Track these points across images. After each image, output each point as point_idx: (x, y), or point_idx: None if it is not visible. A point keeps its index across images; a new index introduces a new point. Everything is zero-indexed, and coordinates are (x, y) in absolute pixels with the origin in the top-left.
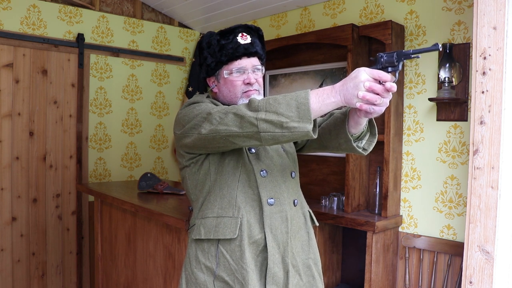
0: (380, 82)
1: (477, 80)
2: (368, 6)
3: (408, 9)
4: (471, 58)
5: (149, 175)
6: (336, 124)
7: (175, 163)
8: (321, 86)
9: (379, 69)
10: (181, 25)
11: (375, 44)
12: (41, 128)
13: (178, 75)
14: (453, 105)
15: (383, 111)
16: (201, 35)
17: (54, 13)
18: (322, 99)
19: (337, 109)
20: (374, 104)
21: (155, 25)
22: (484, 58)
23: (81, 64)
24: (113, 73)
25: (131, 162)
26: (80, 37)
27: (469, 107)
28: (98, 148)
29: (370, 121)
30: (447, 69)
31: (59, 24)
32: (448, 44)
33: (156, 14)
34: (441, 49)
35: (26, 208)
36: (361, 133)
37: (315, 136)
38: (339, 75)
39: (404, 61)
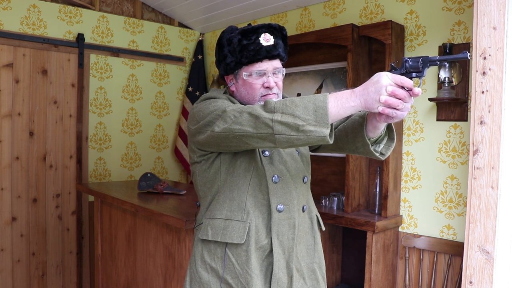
0: (402, 87)
1: (477, 80)
2: (368, 6)
3: (408, 9)
4: (471, 58)
5: (149, 175)
6: (353, 127)
7: (175, 163)
8: (321, 86)
9: (403, 73)
10: (181, 25)
11: (375, 44)
12: (41, 128)
13: (178, 75)
14: (453, 105)
15: (405, 116)
16: (202, 35)
17: (54, 13)
18: (341, 103)
19: None
20: (396, 109)
21: (155, 25)
22: (484, 58)
23: (81, 64)
24: (113, 73)
25: (131, 162)
26: (80, 37)
27: (469, 107)
28: (98, 148)
29: (388, 125)
30: (447, 69)
31: (59, 24)
32: (448, 44)
33: (156, 14)
34: (469, 58)
35: (26, 208)
36: (379, 137)
37: (331, 142)
38: (339, 75)
39: (430, 67)
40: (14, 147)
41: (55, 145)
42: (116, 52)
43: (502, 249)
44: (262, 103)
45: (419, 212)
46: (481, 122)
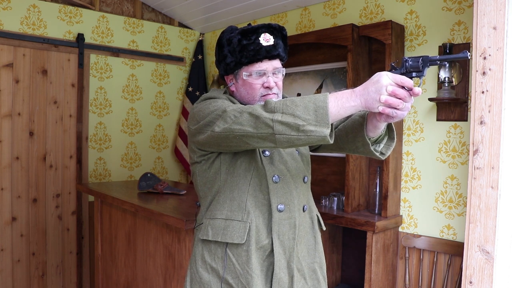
0: (402, 87)
1: (477, 80)
2: (368, 6)
3: (408, 9)
4: (471, 58)
5: (149, 175)
6: (354, 127)
7: (175, 163)
8: (321, 86)
9: (403, 73)
10: (181, 25)
11: (375, 44)
12: (41, 128)
13: (178, 75)
14: (453, 105)
15: (405, 115)
16: (202, 35)
17: (54, 13)
18: (341, 103)
19: None
20: (397, 109)
21: (155, 25)
22: (484, 58)
23: (81, 64)
24: (113, 73)
25: (131, 162)
26: (80, 37)
27: (469, 107)
28: (98, 148)
29: (389, 125)
30: (447, 69)
31: (59, 24)
32: (448, 44)
33: (156, 14)
34: (469, 57)
35: (26, 208)
36: (379, 137)
37: (331, 141)
38: (339, 75)
39: (430, 67)
40: (14, 147)
41: (55, 145)
42: (116, 52)
43: (502, 249)
44: (262, 103)
45: (419, 212)
46: (481, 122)
